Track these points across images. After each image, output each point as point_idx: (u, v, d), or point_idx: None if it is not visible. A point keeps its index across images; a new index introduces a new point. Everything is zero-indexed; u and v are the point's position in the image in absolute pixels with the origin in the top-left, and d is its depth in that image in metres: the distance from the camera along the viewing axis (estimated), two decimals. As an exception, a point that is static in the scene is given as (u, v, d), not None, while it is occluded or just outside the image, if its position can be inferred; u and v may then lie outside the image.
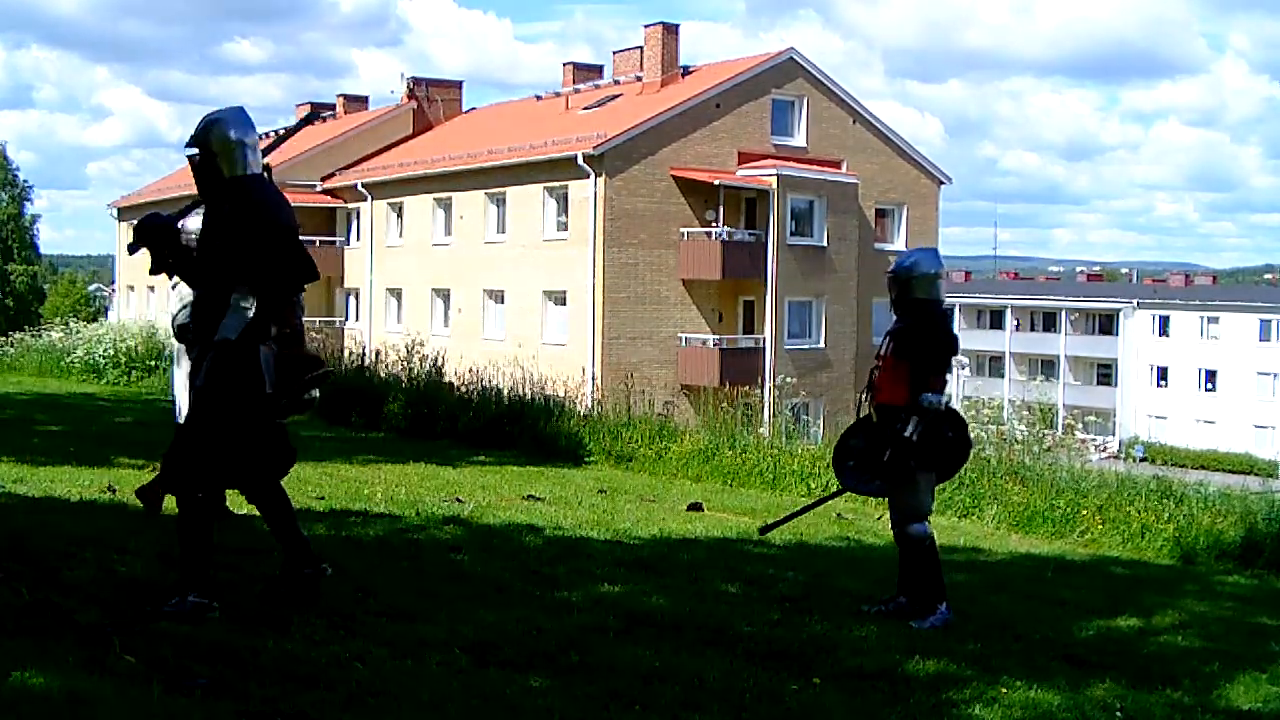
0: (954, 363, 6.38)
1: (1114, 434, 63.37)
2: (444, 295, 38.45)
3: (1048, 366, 69.09)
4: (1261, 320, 63.81)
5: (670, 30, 38.00)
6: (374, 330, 39.89)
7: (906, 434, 6.15)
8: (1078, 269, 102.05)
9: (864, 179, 36.61)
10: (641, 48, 38.34)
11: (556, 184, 34.61)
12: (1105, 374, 69.75)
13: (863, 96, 38.26)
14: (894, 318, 6.53)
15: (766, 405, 22.03)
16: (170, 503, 8.43)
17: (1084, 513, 11.34)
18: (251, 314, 4.91)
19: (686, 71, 37.82)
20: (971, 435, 6.79)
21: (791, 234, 34.88)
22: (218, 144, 5.02)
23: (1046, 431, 14.40)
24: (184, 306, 7.34)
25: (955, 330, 6.53)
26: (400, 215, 41.17)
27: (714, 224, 33.93)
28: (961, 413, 6.71)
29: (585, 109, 38.71)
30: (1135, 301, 68.79)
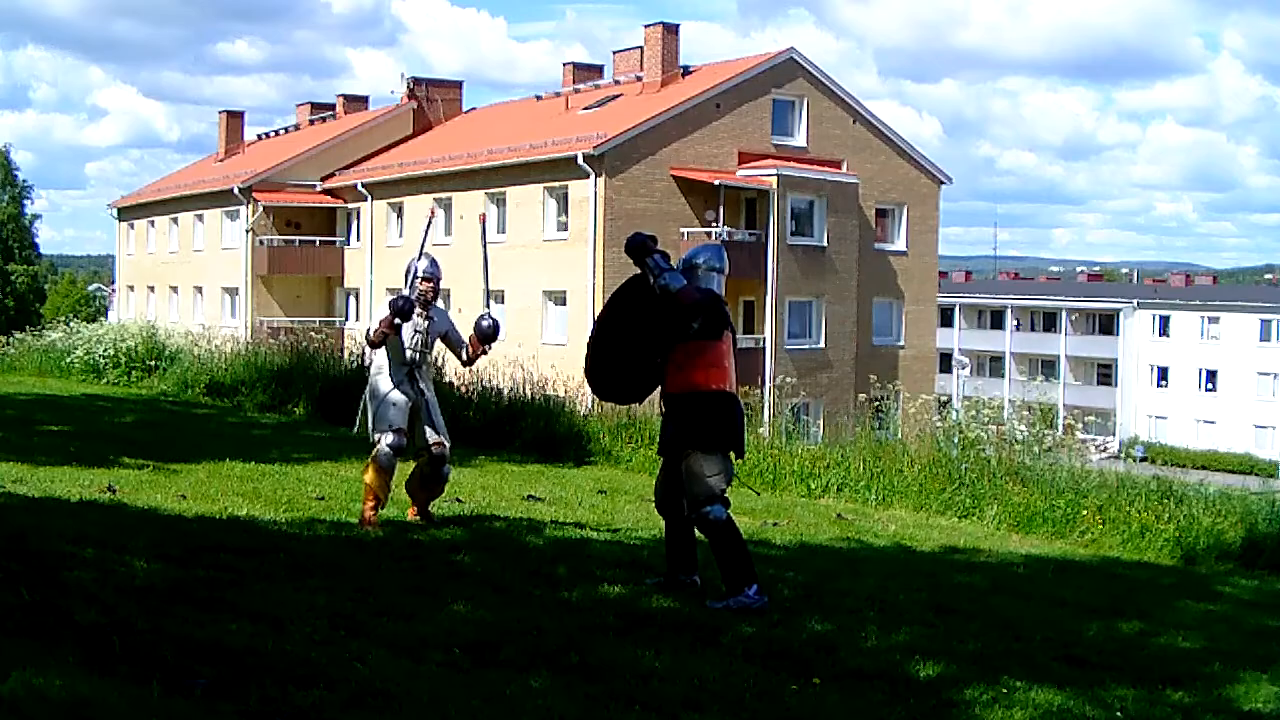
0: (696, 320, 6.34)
1: (1114, 434, 63.40)
2: (444, 295, 38.41)
3: (1048, 366, 69.10)
4: (1261, 320, 63.82)
5: (670, 30, 38.00)
6: (374, 330, 39.88)
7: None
8: (1077, 269, 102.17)
9: (864, 179, 36.60)
10: (641, 48, 38.34)
11: (556, 184, 34.61)
12: (1105, 374, 69.76)
13: (859, 96, 38.25)
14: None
15: (766, 405, 22.03)
16: (159, 499, 8.44)
17: (1084, 513, 11.32)
18: None
19: (687, 71, 37.82)
20: (746, 415, 6.76)
21: (791, 234, 34.89)
22: None
23: (1046, 431, 14.36)
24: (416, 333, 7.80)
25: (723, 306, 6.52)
26: (400, 215, 41.16)
27: (714, 224, 33.93)
28: (730, 399, 6.52)
29: (585, 109, 38.72)
30: (1135, 301, 68.80)
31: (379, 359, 7.96)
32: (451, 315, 8.45)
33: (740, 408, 6.55)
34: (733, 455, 6.50)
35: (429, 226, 8.53)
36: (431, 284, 7.95)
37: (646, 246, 6.36)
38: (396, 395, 7.80)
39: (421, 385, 7.94)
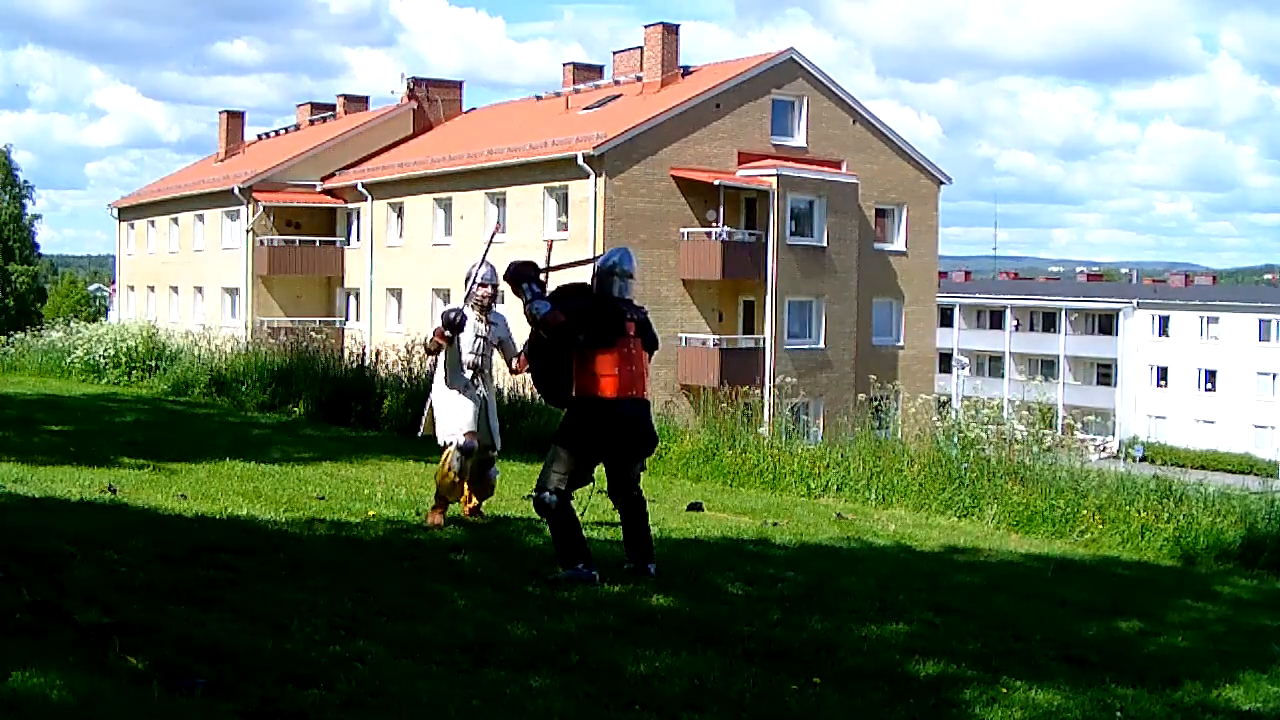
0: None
1: (1114, 434, 63.38)
2: (444, 295, 38.33)
3: (1048, 366, 69.09)
4: (1261, 320, 63.83)
5: (670, 30, 37.97)
6: (374, 330, 39.90)
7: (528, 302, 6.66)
8: (1077, 269, 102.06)
9: (864, 179, 36.60)
10: (641, 48, 38.32)
11: (557, 184, 34.60)
12: (1105, 374, 69.78)
13: (857, 96, 38.28)
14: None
15: (766, 405, 22.06)
16: (167, 499, 8.44)
17: (1084, 513, 11.33)
18: None
19: (686, 72, 37.80)
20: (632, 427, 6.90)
21: (791, 234, 34.88)
22: None
23: (1046, 431, 14.37)
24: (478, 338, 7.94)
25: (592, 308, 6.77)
26: (400, 215, 41.16)
27: (714, 224, 33.93)
28: (624, 407, 6.75)
29: (585, 109, 38.70)
30: (1135, 301, 68.80)
31: (441, 363, 8.13)
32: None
33: (625, 415, 6.76)
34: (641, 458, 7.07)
35: (492, 236, 8.72)
36: (489, 290, 8.08)
37: (522, 274, 6.77)
38: (462, 399, 8.01)
39: (482, 389, 8.12)
